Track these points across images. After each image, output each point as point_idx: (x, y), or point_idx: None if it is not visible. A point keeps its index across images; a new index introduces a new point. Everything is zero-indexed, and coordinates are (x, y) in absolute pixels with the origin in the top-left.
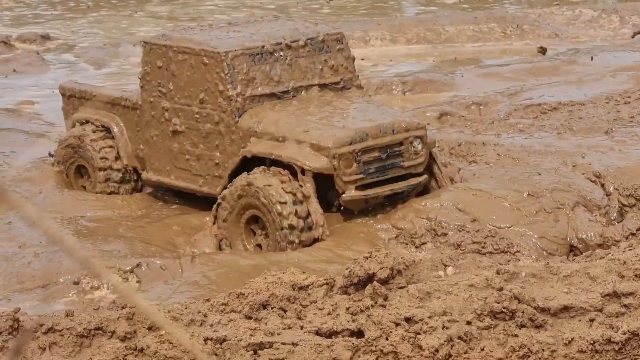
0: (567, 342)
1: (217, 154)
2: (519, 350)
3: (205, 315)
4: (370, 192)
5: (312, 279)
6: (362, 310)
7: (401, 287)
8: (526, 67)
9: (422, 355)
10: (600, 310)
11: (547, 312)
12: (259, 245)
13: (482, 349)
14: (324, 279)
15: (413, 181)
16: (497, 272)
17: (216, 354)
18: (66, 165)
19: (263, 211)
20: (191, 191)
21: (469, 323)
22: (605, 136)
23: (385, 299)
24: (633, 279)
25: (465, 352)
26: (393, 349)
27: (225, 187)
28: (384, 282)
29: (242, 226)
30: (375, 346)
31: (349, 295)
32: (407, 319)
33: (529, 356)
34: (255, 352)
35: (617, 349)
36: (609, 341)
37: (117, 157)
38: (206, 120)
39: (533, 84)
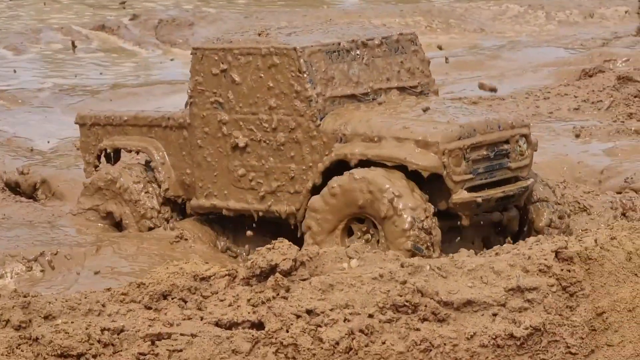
0: (469, 336)
1: (292, 166)
2: (420, 344)
3: (103, 305)
4: (483, 194)
5: (214, 270)
6: (263, 302)
7: (304, 279)
8: (450, 60)
9: (322, 348)
10: (504, 305)
11: (450, 306)
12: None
13: (384, 343)
14: (227, 270)
15: (523, 183)
16: (402, 265)
17: (113, 345)
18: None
19: (372, 209)
20: (257, 213)
21: (371, 316)
22: None
23: (287, 290)
24: (537, 274)
25: (367, 346)
26: (293, 341)
27: (303, 204)
28: (287, 273)
29: (337, 238)
30: (276, 338)
31: (251, 286)
32: (309, 312)
33: (431, 350)
34: (153, 343)
35: (518, 344)
36: (511, 336)
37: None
38: (278, 128)
39: (455, 78)
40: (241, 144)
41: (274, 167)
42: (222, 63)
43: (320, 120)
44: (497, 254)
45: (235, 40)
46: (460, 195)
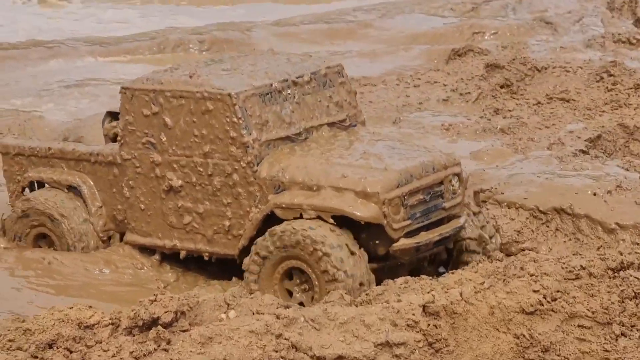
0: None
1: (228, 212)
2: None
3: None
4: (421, 239)
5: (97, 317)
6: (145, 355)
7: (184, 330)
8: (322, 28)
9: None
10: None
11: None
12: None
13: None
14: (110, 319)
15: (456, 223)
16: (277, 317)
17: None
18: (22, 237)
19: (309, 263)
20: (195, 253)
21: None
22: (393, 127)
23: (169, 342)
24: (405, 329)
25: None
26: None
27: (245, 247)
28: (168, 325)
29: (276, 282)
30: None
31: (134, 336)
32: None
33: None
34: None
35: None
36: None
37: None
38: (214, 173)
39: (328, 50)
40: (176, 186)
41: (209, 211)
42: (154, 105)
43: (257, 165)
44: (369, 304)
45: (166, 82)
46: (401, 242)
